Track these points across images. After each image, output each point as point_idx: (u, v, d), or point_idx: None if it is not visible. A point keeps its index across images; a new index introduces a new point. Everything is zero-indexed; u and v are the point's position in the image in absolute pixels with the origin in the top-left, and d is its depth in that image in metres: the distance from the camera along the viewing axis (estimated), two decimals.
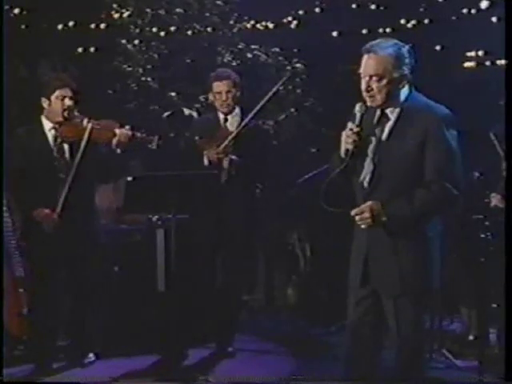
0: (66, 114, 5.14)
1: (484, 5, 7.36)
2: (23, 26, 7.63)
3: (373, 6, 7.74)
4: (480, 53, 7.49)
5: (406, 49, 3.65)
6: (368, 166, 3.64)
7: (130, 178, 4.86)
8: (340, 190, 3.69)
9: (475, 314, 5.60)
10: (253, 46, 7.75)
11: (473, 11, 7.44)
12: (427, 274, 3.66)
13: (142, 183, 4.95)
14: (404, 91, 3.65)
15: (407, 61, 3.62)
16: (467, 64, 7.53)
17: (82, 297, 5.30)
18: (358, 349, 3.79)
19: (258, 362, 5.51)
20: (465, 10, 7.49)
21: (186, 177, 5.06)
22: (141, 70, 7.75)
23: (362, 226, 3.59)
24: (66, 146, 5.22)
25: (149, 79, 7.73)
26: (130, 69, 7.72)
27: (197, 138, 5.28)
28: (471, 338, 5.68)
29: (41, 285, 5.17)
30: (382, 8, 7.74)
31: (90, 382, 4.97)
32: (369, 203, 3.55)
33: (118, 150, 5.09)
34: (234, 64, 7.54)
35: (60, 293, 5.30)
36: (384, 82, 3.58)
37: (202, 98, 5.62)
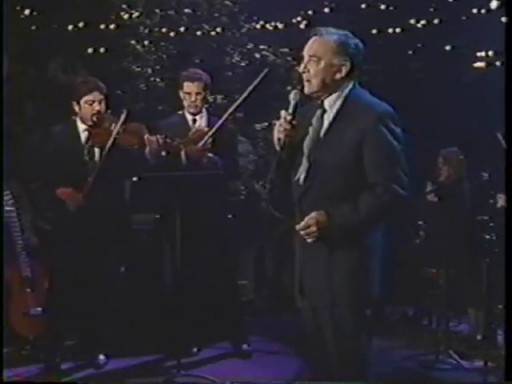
0: (95, 118, 5.12)
1: (494, 5, 7.35)
2: (34, 27, 7.67)
3: (382, 6, 7.75)
4: (490, 53, 7.48)
5: (354, 41, 3.39)
6: (304, 163, 3.39)
7: (135, 179, 4.83)
8: (283, 191, 3.48)
9: (482, 314, 5.59)
10: (261, 47, 7.79)
11: (483, 11, 7.44)
12: (363, 285, 3.35)
13: (147, 183, 4.94)
14: (348, 85, 3.39)
15: (352, 51, 3.36)
16: (477, 64, 7.52)
17: (94, 296, 5.26)
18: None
19: (264, 362, 5.49)
20: (475, 10, 7.48)
21: (191, 177, 5.07)
22: (150, 71, 7.80)
23: (309, 240, 3.32)
24: (96, 150, 5.17)
25: (158, 79, 7.77)
26: (139, 69, 7.78)
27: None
28: (479, 338, 5.67)
29: (55, 284, 5.20)
30: (391, 8, 7.74)
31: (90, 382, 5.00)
32: (314, 215, 3.27)
33: (152, 161, 5.06)
34: (243, 64, 7.56)
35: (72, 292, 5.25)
36: (321, 65, 3.33)
37: (210, 98, 5.59)
